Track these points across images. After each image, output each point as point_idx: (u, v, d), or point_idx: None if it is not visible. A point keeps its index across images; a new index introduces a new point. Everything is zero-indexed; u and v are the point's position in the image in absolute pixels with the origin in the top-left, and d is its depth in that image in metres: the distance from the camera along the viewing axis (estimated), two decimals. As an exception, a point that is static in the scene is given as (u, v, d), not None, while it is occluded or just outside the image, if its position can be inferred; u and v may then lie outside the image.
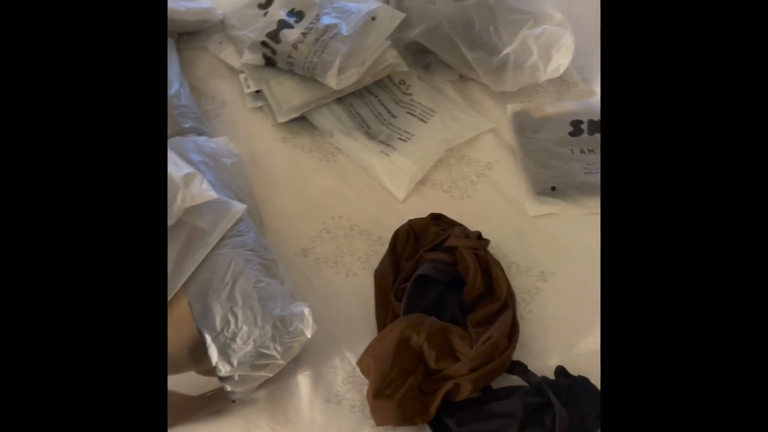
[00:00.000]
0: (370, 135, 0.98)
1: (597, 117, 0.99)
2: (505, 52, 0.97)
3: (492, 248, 0.86)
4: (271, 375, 0.72)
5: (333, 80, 0.95)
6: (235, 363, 0.67)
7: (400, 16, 0.99)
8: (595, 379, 0.75)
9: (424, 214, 0.88)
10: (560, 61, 0.97)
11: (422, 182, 0.95)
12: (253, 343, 0.67)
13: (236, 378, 0.69)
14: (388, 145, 0.97)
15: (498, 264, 0.83)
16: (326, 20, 0.98)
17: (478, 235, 0.84)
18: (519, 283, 0.85)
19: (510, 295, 0.80)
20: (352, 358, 0.77)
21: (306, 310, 0.70)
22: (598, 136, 0.97)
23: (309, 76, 0.98)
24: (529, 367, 0.76)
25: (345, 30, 0.96)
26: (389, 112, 1.01)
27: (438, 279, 0.79)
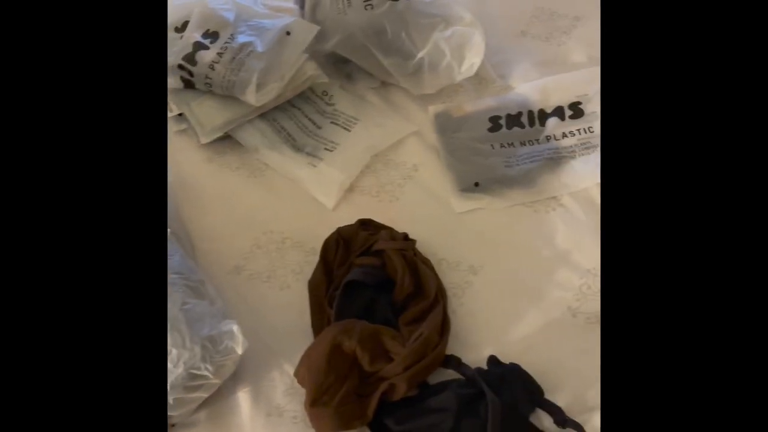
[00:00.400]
0: (296, 147, 1.00)
1: (514, 111, 1.02)
2: (419, 56, 1.00)
3: (421, 247, 0.88)
4: (206, 395, 0.72)
5: (252, 97, 0.95)
6: (167, 387, 0.67)
7: (315, 29, 1.01)
8: (527, 365, 0.78)
9: (355, 221, 0.89)
10: (473, 60, 1.00)
11: (351, 190, 0.97)
12: (183, 365, 0.68)
13: (171, 402, 0.69)
14: (315, 156, 0.98)
15: (427, 262, 0.85)
16: (241, 38, 0.99)
17: (405, 236, 0.86)
18: (449, 278, 0.87)
19: (440, 291, 0.82)
20: (291, 370, 0.78)
21: (235, 327, 0.71)
22: (516, 129, 1.00)
23: (229, 95, 0.98)
24: (463, 360, 0.78)
25: (260, 47, 0.97)
26: (314, 123, 1.02)
27: (368, 283, 0.80)
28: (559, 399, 0.76)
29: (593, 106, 1.01)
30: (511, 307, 0.84)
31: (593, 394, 0.77)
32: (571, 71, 1.06)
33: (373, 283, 0.81)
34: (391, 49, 1.00)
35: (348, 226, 0.88)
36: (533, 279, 0.86)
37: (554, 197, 0.93)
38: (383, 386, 0.72)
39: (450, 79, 1.02)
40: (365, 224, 0.88)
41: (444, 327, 0.79)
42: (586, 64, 1.07)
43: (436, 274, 0.85)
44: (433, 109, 1.04)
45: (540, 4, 1.17)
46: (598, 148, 0.97)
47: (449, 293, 0.85)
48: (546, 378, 0.78)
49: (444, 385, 0.75)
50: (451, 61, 1.00)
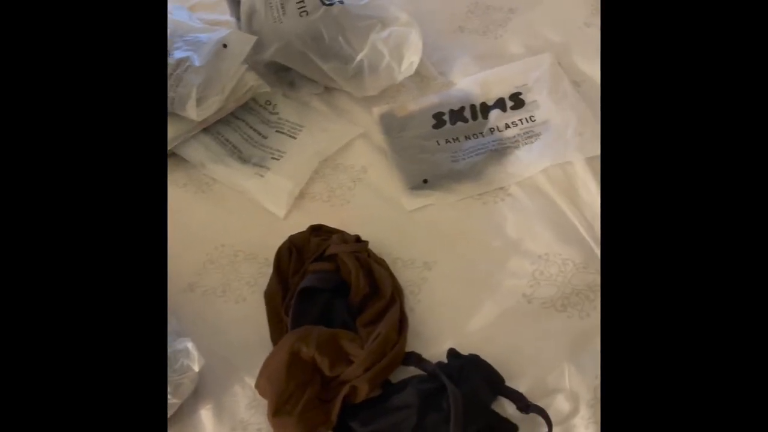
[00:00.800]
0: (243, 159, 0.99)
1: (457, 106, 1.03)
2: (358, 58, 1.00)
3: (375, 247, 0.88)
4: (168, 416, 0.71)
5: (193, 112, 0.95)
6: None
7: (251, 39, 1.00)
8: (487, 354, 0.78)
9: (306, 228, 0.89)
10: (411, 58, 1.01)
11: (301, 197, 0.96)
12: (138, 388, 0.66)
13: (131, 427, 0.68)
14: (262, 167, 0.98)
15: (381, 262, 0.86)
16: (178, 54, 0.98)
17: (357, 238, 0.86)
18: (405, 276, 0.87)
19: (396, 290, 0.83)
20: (252, 383, 0.77)
21: (190, 345, 0.70)
22: (460, 124, 1.02)
23: (170, 112, 0.97)
24: (424, 355, 0.79)
25: (197, 61, 0.97)
26: (259, 133, 1.02)
27: (323, 288, 0.80)
28: (521, 385, 0.77)
29: (533, 95, 1.03)
30: (467, 299, 0.85)
31: (553, 378, 0.78)
32: (509, 63, 1.08)
33: (328, 288, 0.81)
34: (330, 53, 1.01)
35: (299, 233, 0.88)
36: (487, 270, 0.87)
37: (502, 188, 0.95)
38: (345, 389, 0.72)
39: (391, 80, 1.02)
40: (317, 230, 0.88)
41: (402, 325, 0.79)
42: (523, 55, 1.09)
43: (391, 274, 0.85)
44: (378, 110, 1.04)
45: None
46: (541, 136, 0.98)
47: (406, 291, 0.86)
48: (506, 366, 0.79)
49: (406, 383, 0.75)
50: (391, 62, 1.00)
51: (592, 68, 1.06)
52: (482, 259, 0.89)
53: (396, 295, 0.82)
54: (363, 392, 0.72)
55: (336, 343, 0.75)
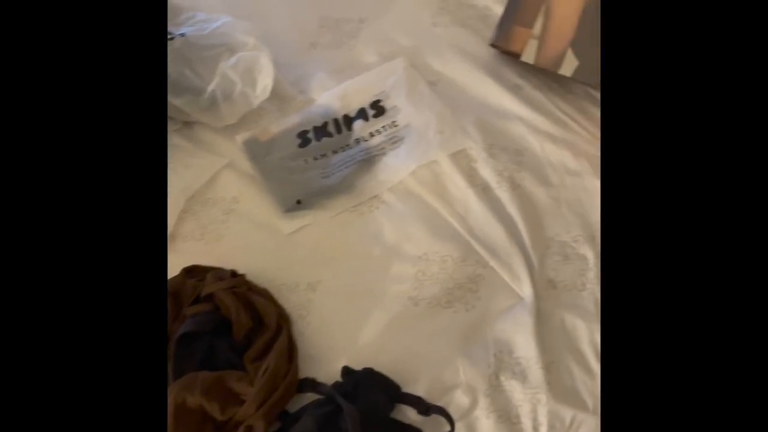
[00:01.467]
0: (105, 210, 0.94)
1: (320, 122, 1.03)
2: (210, 89, 0.98)
3: (256, 277, 0.86)
4: None
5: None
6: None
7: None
8: (382, 365, 0.79)
9: (180, 271, 0.86)
10: (264, 81, 0.99)
11: (172, 239, 0.92)
12: None
13: None
14: (127, 214, 0.93)
15: (263, 292, 0.84)
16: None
17: (233, 273, 0.84)
18: (291, 301, 0.86)
19: (282, 318, 0.81)
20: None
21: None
22: (325, 139, 1.01)
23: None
24: (320, 378, 0.78)
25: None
26: (118, 180, 0.97)
27: (202, 331, 0.77)
28: (419, 388, 0.78)
29: (392, 101, 1.05)
30: (355, 313, 0.85)
31: (449, 375, 0.80)
32: (365, 72, 1.09)
33: (207, 330, 0.78)
34: (180, 88, 0.97)
35: (173, 278, 0.84)
36: (371, 280, 0.88)
37: (375, 196, 0.95)
38: (241, 431, 0.70)
39: (248, 105, 1.01)
40: (191, 272, 0.85)
41: (292, 353, 0.78)
42: (378, 63, 1.11)
43: (275, 302, 0.83)
44: (240, 137, 1.02)
45: (324, 14, 1.19)
46: (405, 140, 1.00)
47: (293, 315, 0.84)
48: (402, 372, 0.79)
49: (303, 410, 0.74)
50: (244, 88, 0.98)
51: (444, 66, 1.09)
52: (365, 270, 0.89)
53: (282, 323, 0.80)
54: (260, 430, 0.70)
55: (223, 386, 0.72)
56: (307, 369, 0.80)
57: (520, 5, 1.04)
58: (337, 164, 0.99)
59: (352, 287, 0.87)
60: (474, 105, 1.04)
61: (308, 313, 0.85)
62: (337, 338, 0.83)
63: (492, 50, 1.11)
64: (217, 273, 0.83)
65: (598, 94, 1.05)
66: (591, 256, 0.89)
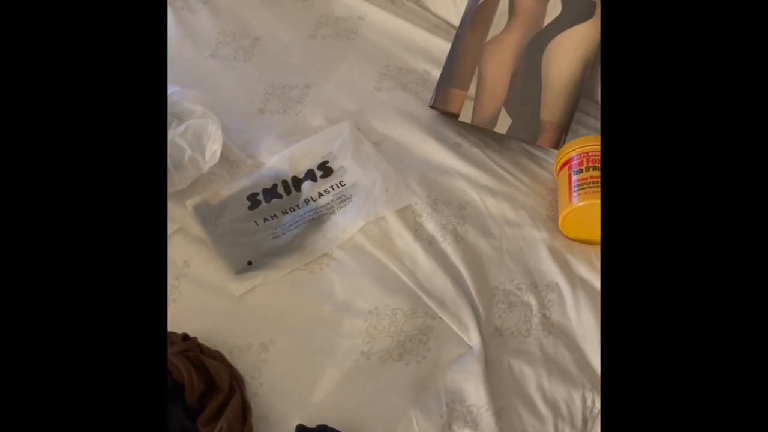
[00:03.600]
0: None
1: (269, 185, 1.06)
2: (159, 156, 1.00)
3: (209, 340, 0.87)
4: None
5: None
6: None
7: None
8: (336, 421, 0.79)
9: (131, 337, 0.85)
10: (213, 147, 1.02)
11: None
12: None
13: None
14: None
15: (216, 355, 0.84)
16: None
17: (184, 336, 0.84)
18: (244, 362, 0.86)
19: (235, 379, 0.81)
20: None
21: None
22: (275, 201, 1.04)
23: None
24: (275, 439, 0.78)
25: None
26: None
27: (154, 397, 0.77)
28: (373, 442, 0.79)
29: (339, 162, 1.09)
30: (308, 371, 0.86)
31: (402, 428, 0.81)
32: (312, 135, 1.14)
33: (159, 396, 0.77)
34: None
35: (124, 344, 0.84)
36: (323, 337, 0.89)
37: (325, 254, 0.98)
38: (194, 498, 0.69)
39: (198, 171, 1.03)
40: (141, 337, 0.84)
41: (245, 414, 0.78)
42: (324, 126, 1.15)
43: (228, 364, 0.84)
44: (191, 202, 1.04)
45: (270, 81, 1.24)
46: (353, 198, 1.04)
47: (246, 377, 0.85)
48: (356, 427, 0.80)
49: (258, 472, 0.74)
50: (193, 154, 1.01)
51: (387, 128, 1.15)
52: (317, 327, 0.90)
53: (235, 384, 0.81)
54: (214, 495, 0.70)
55: (176, 452, 0.71)
56: (262, 430, 0.80)
57: (455, 69, 1.11)
58: (287, 224, 1.01)
59: (304, 345, 0.88)
60: (417, 163, 1.09)
61: (261, 374, 0.85)
62: (291, 397, 0.83)
63: (432, 111, 1.17)
64: (169, 337, 0.83)
65: (532, 149, 1.12)
66: (534, 302, 0.93)
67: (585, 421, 0.85)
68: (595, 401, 0.85)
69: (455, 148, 1.11)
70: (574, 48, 1.06)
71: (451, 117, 1.14)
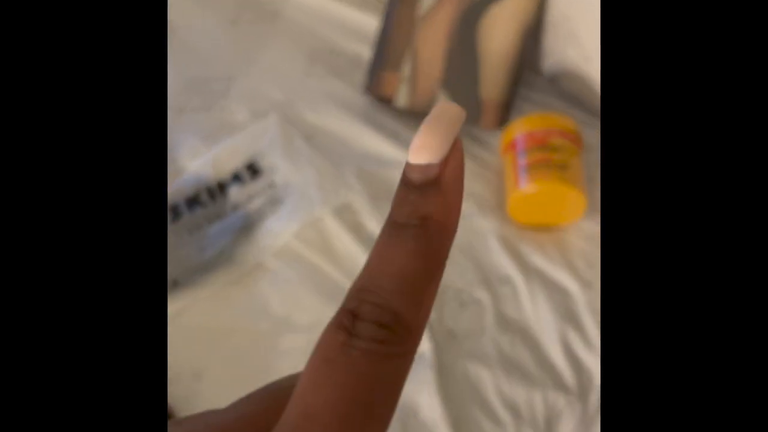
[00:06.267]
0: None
1: (191, 193, 0.96)
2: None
3: (133, 376, 0.78)
4: None
5: None
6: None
7: None
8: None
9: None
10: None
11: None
12: None
13: None
14: None
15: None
16: None
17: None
18: (175, 395, 0.78)
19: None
20: None
21: None
22: (199, 210, 0.95)
23: None
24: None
25: None
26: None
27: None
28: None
29: (268, 160, 1.00)
30: (245, 389, 0.78)
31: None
32: (238, 132, 1.04)
33: None
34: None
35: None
36: (260, 358, 0.81)
37: (258, 265, 0.90)
38: None
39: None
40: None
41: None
42: (250, 121, 1.06)
43: (154, 400, 0.76)
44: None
45: (190, 75, 1.13)
46: (285, 200, 0.95)
47: (178, 410, 0.77)
48: (302, 457, 0.73)
49: None
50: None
51: (319, 119, 1.06)
52: (253, 348, 0.82)
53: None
54: None
55: None
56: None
57: (386, 50, 1.03)
58: (214, 236, 0.92)
59: (240, 370, 0.80)
60: (354, 155, 1.01)
61: (194, 407, 0.77)
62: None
63: (367, 97, 1.08)
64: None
65: (475, 131, 1.05)
66: (486, 298, 0.86)
67: (549, 421, 0.80)
68: (557, 400, 0.80)
69: (394, 136, 1.03)
70: (510, 19, 0.99)
71: (388, 102, 1.05)
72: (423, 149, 0.22)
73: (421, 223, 0.22)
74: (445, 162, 0.22)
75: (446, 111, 0.23)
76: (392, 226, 0.22)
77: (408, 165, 0.22)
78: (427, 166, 0.22)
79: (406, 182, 0.23)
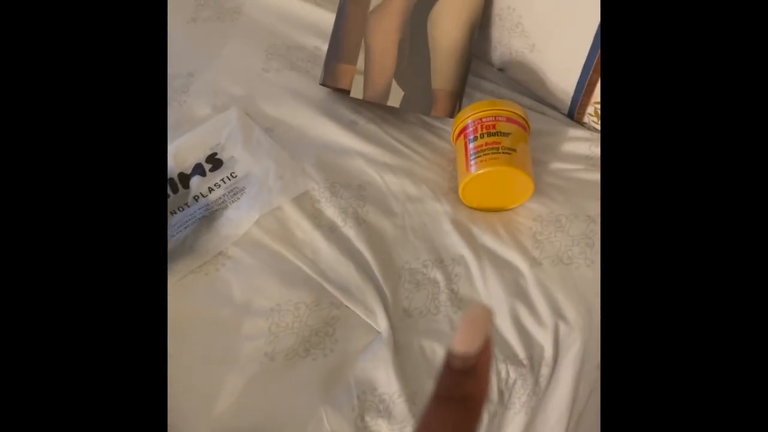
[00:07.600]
0: None
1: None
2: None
3: (98, 363, 0.80)
4: None
5: None
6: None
7: None
8: (243, 429, 0.75)
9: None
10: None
11: None
12: None
13: None
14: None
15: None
16: None
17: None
18: (139, 382, 0.80)
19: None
20: None
21: None
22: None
23: None
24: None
25: None
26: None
27: None
28: (284, 446, 0.75)
29: (229, 152, 1.02)
30: (209, 382, 0.81)
31: (314, 426, 0.77)
32: (199, 126, 1.06)
33: None
34: None
35: None
36: (223, 343, 0.84)
37: (220, 253, 0.92)
38: None
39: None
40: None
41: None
42: (211, 115, 1.08)
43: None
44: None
45: (150, 72, 1.15)
46: (246, 190, 0.98)
47: (143, 397, 0.79)
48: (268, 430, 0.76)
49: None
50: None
51: (279, 111, 1.09)
52: (216, 334, 0.85)
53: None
54: None
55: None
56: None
57: (341, 43, 1.06)
58: (176, 225, 0.94)
59: (203, 356, 0.83)
60: (312, 146, 1.04)
61: (159, 390, 0.80)
62: (193, 413, 0.78)
63: (324, 89, 1.11)
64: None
65: (429, 120, 1.08)
66: (441, 278, 0.90)
67: (501, 393, 0.84)
68: (509, 372, 0.84)
69: (351, 126, 1.06)
70: (459, 10, 1.03)
71: (344, 94, 1.09)
72: (463, 343, 0.29)
73: (461, 399, 0.29)
74: (479, 353, 0.29)
75: (481, 314, 0.30)
76: (438, 401, 0.29)
77: (450, 354, 0.29)
78: (466, 356, 0.29)
79: (449, 366, 0.30)
